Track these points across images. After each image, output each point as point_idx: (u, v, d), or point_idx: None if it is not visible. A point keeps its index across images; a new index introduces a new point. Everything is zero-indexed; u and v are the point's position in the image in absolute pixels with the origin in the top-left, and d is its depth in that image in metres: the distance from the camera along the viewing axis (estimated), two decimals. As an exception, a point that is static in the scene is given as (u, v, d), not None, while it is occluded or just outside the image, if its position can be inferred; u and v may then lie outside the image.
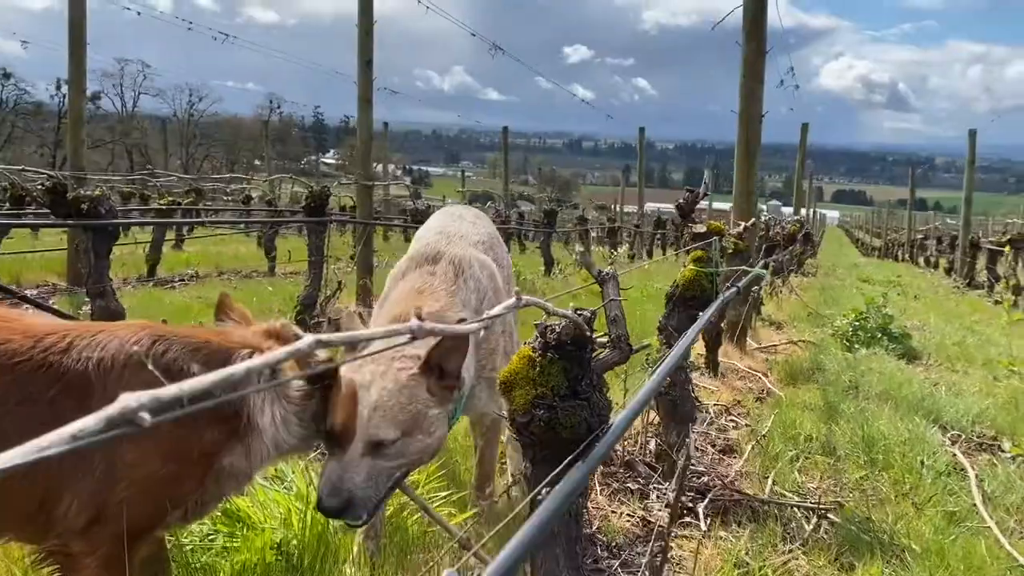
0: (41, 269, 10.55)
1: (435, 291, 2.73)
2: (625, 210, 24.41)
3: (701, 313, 3.71)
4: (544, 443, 1.97)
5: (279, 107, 76.78)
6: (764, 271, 4.31)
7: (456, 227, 3.17)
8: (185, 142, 64.87)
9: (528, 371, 1.94)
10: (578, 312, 1.87)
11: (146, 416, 0.70)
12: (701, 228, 4.14)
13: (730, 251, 4.53)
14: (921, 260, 26.29)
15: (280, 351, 0.94)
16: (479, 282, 2.87)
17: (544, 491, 1.67)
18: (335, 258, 8.60)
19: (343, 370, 2.21)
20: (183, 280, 11.26)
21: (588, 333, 1.88)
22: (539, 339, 1.93)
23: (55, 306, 5.25)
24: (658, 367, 2.65)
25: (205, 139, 67.31)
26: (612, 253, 16.92)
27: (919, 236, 28.15)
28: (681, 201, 4.32)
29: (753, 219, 5.78)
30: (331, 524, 2.81)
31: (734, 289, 4.43)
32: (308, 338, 0.98)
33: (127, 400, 0.70)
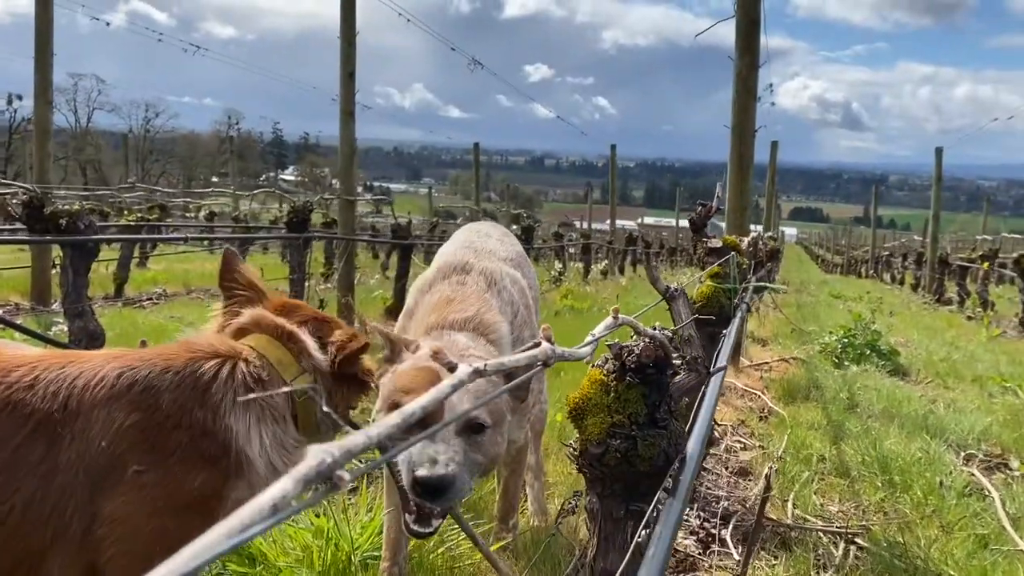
0: (1, 288, 10.12)
1: (467, 298, 2.57)
2: (590, 227, 24.39)
3: (724, 331, 3.58)
4: (617, 476, 1.81)
5: (238, 123, 76.11)
6: (783, 285, 4.18)
7: (483, 243, 3.01)
8: (141, 158, 63.75)
9: (602, 397, 1.77)
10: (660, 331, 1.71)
11: (345, 475, 0.54)
12: (717, 243, 4.02)
13: (744, 267, 4.41)
14: (887, 276, 26.64)
15: (445, 385, 0.77)
16: (511, 295, 2.71)
17: (643, 533, 1.50)
18: (308, 275, 8.38)
19: (416, 359, 2.12)
20: (151, 299, 10.90)
21: (670, 354, 1.72)
22: (613, 361, 1.77)
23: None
24: (704, 390, 2.50)
25: (162, 155, 66.33)
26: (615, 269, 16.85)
27: (884, 252, 28.57)
28: (693, 216, 4.19)
29: (753, 234, 5.69)
30: (354, 562, 2.61)
31: (745, 304, 4.32)
32: (465, 367, 0.81)
33: (320, 455, 0.55)
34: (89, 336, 4.61)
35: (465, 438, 2.03)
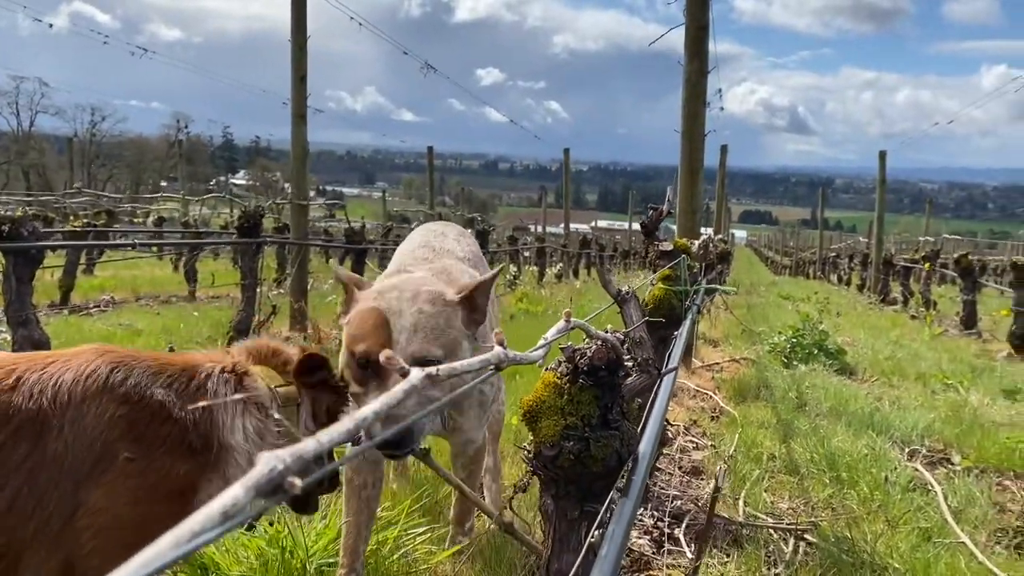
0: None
1: (436, 276, 2.58)
2: (545, 230, 24.50)
3: (675, 333, 3.63)
4: (570, 478, 1.83)
5: (187, 127, 74.90)
6: (733, 288, 4.26)
7: (441, 243, 3.03)
8: (87, 163, 62.27)
9: (555, 400, 1.79)
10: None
11: (297, 481, 0.56)
12: (668, 246, 4.07)
13: (695, 270, 4.47)
14: (834, 277, 27.18)
15: (397, 391, 0.78)
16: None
17: (596, 533, 1.53)
18: (260, 280, 8.28)
19: (363, 301, 2.23)
20: (99, 307, 10.68)
21: (622, 356, 1.75)
22: (566, 364, 1.79)
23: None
24: (656, 392, 2.54)
25: (109, 159, 64.90)
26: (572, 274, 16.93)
27: (832, 254, 29.19)
28: (645, 219, 4.24)
29: (704, 237, 5.77)
30: (309, 570, 2.59)
31: (696, 307, 4.38)
32: (418, 372, 0.83)
33: (272, 463, 0.56)
34: (33, 345, 4.51)
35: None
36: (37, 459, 1.64)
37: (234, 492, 0.51)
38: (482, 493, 3.47)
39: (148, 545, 1.65)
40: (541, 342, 1.36)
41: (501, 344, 1.07)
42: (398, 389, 0.77)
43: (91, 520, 1.67)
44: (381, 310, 2.18)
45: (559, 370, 1.83)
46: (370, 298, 2.25)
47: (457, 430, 2.76)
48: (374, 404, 0.71)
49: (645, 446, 1.85)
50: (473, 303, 2.29)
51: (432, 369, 0.84)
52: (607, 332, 1.73)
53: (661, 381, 2.23)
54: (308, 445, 0.61)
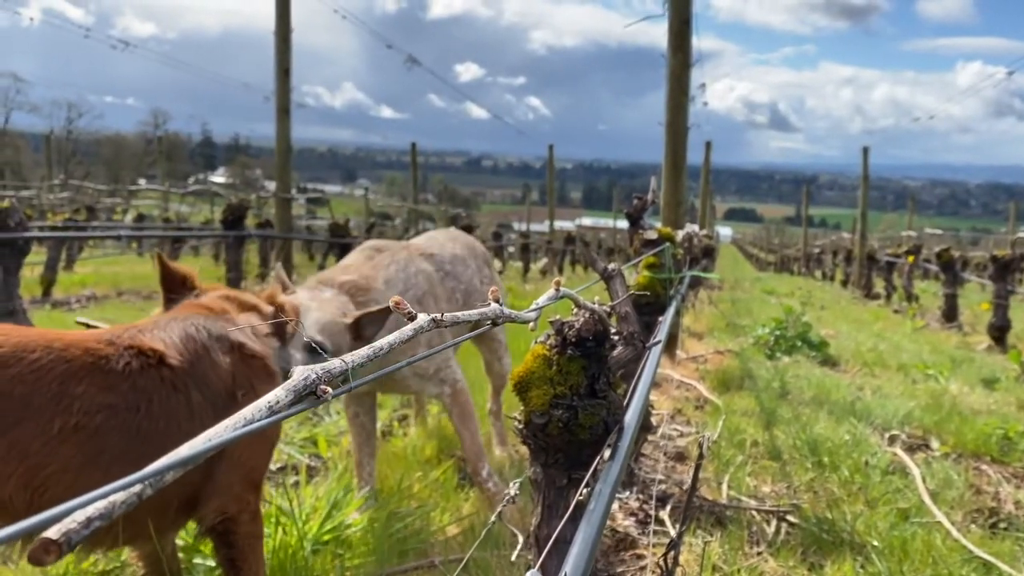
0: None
1: (359, 267, 3.13)
2: (529, 227, 24.57)
3: (660, 318, 3.70)
4: (559, 446, 1.88)
5: (165, 123, 74.47)
6: (717, 275, 4.33)
7: (423, 243, 3.64)
8: (63, 160, 61.69)
9: (545, 370, 1.84)
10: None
11: (328, 389, 0.63)
12: (652, 235, 4.13)
13: (679, 258, 4.54)
14: (818, 273, 27.43)
15: (407, 329, 0.83)
16: (409, 277, 3.20)
17: (584, 491, 1.58)
18: (243, 275, 8.30)
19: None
20: (80, 302, 10.64)
21: (609, 328, 1.81)
22: (555, 336, 1.84)
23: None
24: (640, 373, 2.60)
25: (86, 157, 64.41)
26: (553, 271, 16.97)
27: (816, 250, 29.51)
28: (629, 209, 4.30)
29: (688, 230, 5.84)
30: (305, 547, 2.64)
31: (680, 295, 4.45)
32: (424, 316, 0.89)
33: (305, 373, 0.62)
34: (21, 334, 4.51)
35: (307, 355, 2.57)
36: (188, 410, 1.90)
37: (277, 392, 0.60)
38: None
39: (273, 444, 1.97)
40: (533, 306, 1.42)
41: (497, 301, 1.12)
42: (408, 328, 0.83)
43: (231, 450, 1.98)
44: (296, 303, 2.72)
45: (548, 342, 1.89)
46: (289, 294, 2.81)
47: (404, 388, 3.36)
48: (389, 337, 0.77)
49: (631, 415, 1.91)
50: (358, 329, 2.72)
51: (437, 315, 0.89)
52: (594, 303, 1.79)
53: (648, 354, 2.29)
54: (335, 363, 0.67)
